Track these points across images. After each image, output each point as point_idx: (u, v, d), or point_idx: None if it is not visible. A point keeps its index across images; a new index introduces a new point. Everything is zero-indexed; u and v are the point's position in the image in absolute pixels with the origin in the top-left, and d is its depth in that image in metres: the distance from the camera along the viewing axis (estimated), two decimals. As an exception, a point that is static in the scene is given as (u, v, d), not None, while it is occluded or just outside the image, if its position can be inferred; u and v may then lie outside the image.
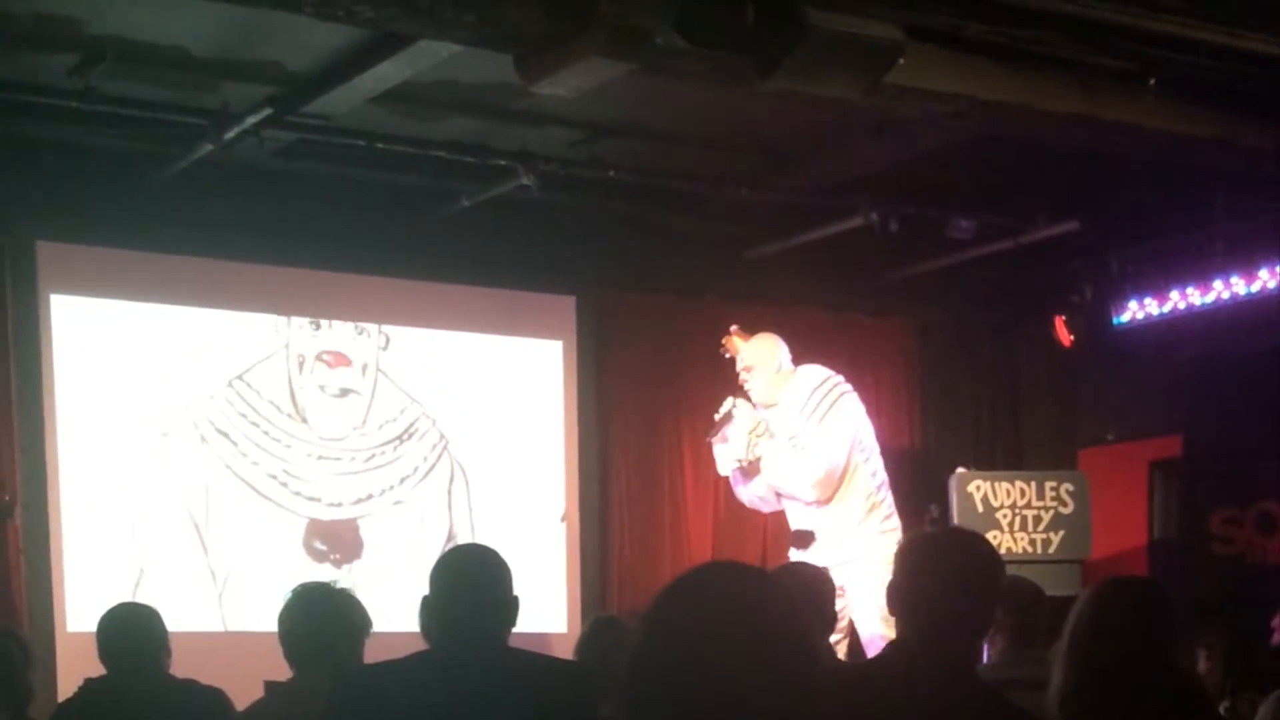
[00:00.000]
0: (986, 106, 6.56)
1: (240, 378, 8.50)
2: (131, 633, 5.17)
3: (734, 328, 8.25)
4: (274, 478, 8.52)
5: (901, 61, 5.87)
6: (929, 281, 10.11)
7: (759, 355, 8.11)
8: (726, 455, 8.17)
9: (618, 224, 9.27)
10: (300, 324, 8.69)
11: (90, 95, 7.02)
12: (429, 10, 5.41)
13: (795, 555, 7.81)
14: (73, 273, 8.13)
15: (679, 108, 7.58)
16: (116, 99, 7.20)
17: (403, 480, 8.85)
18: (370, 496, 8.74)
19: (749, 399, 8.08)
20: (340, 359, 8.79)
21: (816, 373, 8.10)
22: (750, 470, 8.11)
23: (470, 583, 3.73)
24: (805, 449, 7.89)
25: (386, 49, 6.49)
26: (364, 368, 8.84)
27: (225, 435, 8.42)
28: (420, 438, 8.95)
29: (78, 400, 8.09)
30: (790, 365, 8.12)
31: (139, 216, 8.09)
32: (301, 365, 8.68)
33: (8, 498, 7.88)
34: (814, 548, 7.81)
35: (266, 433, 8.52)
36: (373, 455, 8.80)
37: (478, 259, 8.99)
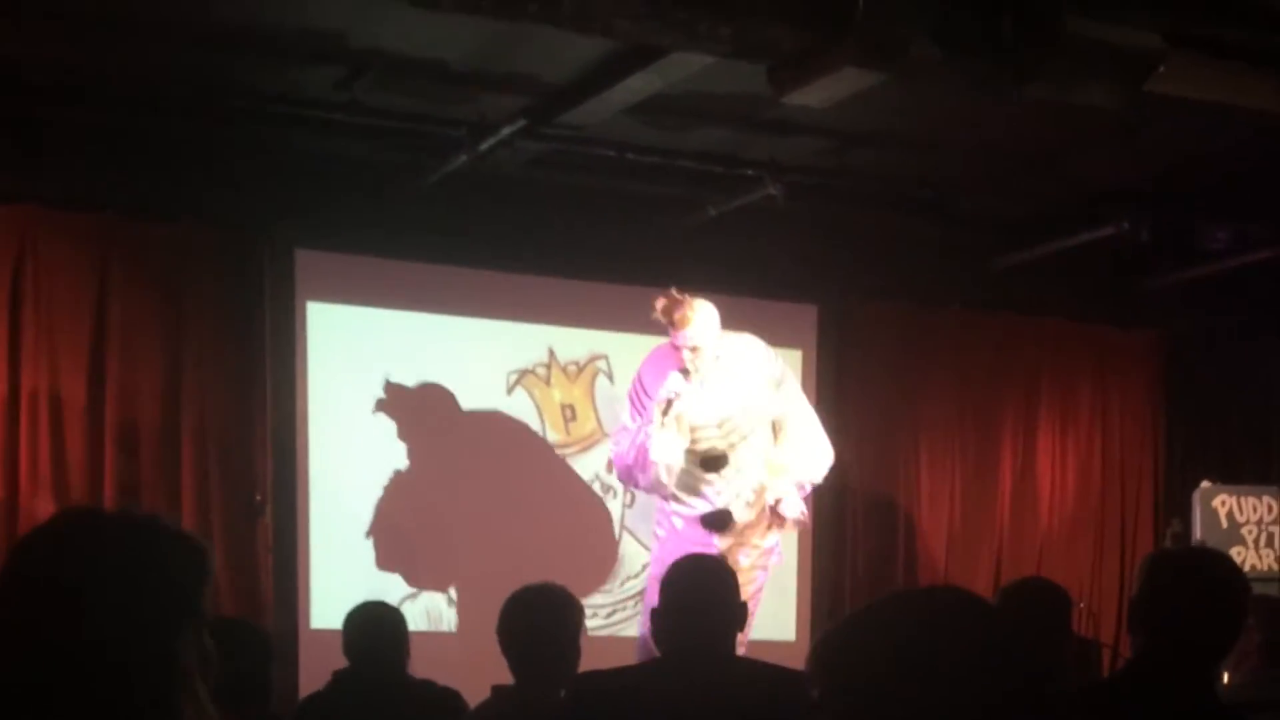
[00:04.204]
0: (1246, 114, 6.43)
1: None
2: (375, 630, 5.33)
3: (675, 290, 6.92)
4: None
5: (1161, 69, 5.78)
6: (1179, 291, 9.87)
7: (706, 335, 6.98)
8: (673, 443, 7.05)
9: (863, 233, 9.23)
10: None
11: (353, 107, 7.20)
12: (685, 23, 5.46)
13: (716, 541, 7.08)
14: (329, 280, 8.32)
15: (927, 115, 7.53)
16: (377, 111, 7.34)
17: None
18: None
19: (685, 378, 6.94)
20: None
21: (754, 341, 7.24)
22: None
23: (697, 592, 3.84)
24: (799, 426, 7.25)
25: (640, 61, 6.53)
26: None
27: None
28: None
29: (329, 405, 8.28)
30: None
31: (394, 226, 8.27)
32: None
33: (259, 498, 8.11)
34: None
35: None
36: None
37: (721, 268, 8.99)
